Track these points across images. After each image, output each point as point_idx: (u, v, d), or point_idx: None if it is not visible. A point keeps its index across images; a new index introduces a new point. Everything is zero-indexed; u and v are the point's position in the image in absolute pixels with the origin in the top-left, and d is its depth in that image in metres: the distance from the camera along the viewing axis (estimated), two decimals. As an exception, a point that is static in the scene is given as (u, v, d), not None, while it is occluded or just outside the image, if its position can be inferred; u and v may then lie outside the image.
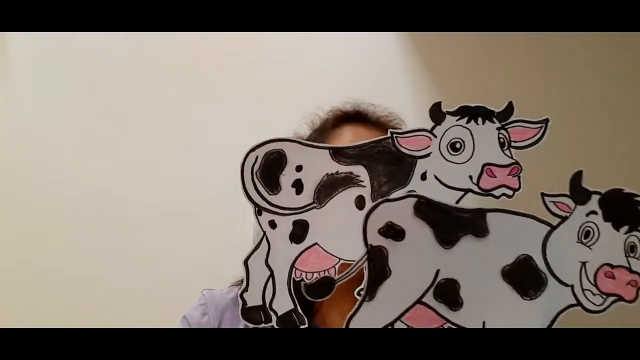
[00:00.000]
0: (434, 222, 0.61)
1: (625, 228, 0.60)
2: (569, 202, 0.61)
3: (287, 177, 0.69)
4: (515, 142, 0.63)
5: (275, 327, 0.65)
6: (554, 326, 0.61)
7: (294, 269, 0.69)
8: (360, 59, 1.46)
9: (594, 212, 0.61)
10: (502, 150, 0.63)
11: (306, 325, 0.65)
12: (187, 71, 1.52)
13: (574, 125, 1.42)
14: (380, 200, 0.60)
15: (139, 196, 1.48)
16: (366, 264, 0.63)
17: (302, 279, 0.68)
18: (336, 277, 0.67)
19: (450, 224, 0.62)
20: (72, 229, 1.48)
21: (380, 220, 0.61)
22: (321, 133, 0.93)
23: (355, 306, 0.60)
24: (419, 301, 0.62)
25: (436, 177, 0.65)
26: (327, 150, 0.67)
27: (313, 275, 0.70)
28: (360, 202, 0.67)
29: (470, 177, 0.63)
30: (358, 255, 0.65)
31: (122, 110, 1.52)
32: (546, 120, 0.62)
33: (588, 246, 0.60)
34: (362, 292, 0.63)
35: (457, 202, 0.64)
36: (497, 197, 0.62)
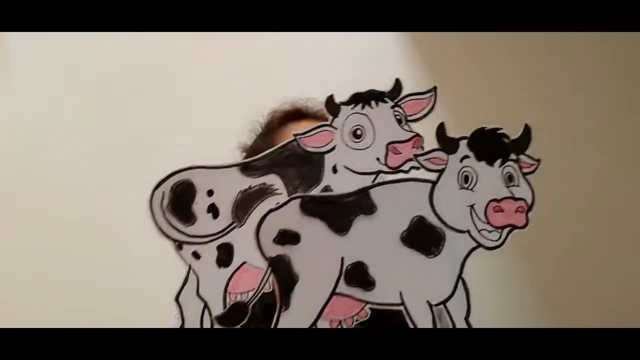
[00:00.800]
0: (323, 215, 0.62)
1: (499, 162, 0.62)
2: (441, 154, 0.63)
3: (200, 205, 0.68)
4: (411, 115, 0.65)
5: None
6: (463, 274, 0.65)
7: (227, 293, 0.70)
8: (360, 59, 1.48)
9: (466, 157, 0.62)
10: (401, 127, 0.64)
11: None
12: (189, 71, 1.53)
13: (574, 125, 1.47)
14: (265, 213, 0.63)
15: (139, 196, 1.42)
16: (272, 276, 0.63)
17: (253, 300, 0.69)
18: (247, 300, 0.68)
19: (339, 210, 0.63)
20: (72, 229, 1.51)
21: (272, 231, 0.61)
22: (267, 135, 0.95)
23: (274, 321, 0.62)
24: (334, 293, 0.63)
25: (346, 167, 0.66)
26: (235, 168, 0.67)
27: (248, 294, 0.70)
28: None
29: (378, 159, 0.64)
30: None
31: (122, 110, 1.53)
32: (434, 89, 0.65)
33: (470, 189, 0.62)
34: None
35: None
36: (407, 172, 0.64)
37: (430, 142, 0.64)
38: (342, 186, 0.65)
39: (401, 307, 0.64)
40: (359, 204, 0.64)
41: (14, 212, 1.53)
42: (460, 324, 0.64)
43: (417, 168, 0.63)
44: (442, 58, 1.44)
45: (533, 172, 0.63)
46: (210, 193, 0.69)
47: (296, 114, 0.97)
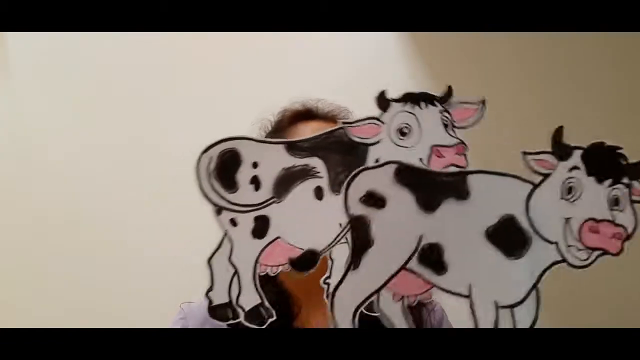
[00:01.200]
0: (414, 188, 0.61)
1: (609, 182, 0.59)
2: (551, 158, 0.61)
3: (243, 175, 0.69)
4: (457, 122, 0.66)
5: (243, 322, 0.69)
6: (539, 285, 0.62)
7: (258, 264, 0.70)
8: (361, 59, 1.49)
9: (576, 168, 0.60)
10: (447, 131, 0.65)
11: (274, 318, 0.68)
12: (188, 71, 1.54)
13: (573, 125, 1.25)
14: (359, 168, 0.61)
15: (139, 196, 1.44)
16: (349, 233, 0.63)
17: (267, 274, 0.70)
18: (319, 250, 0.67)
19: (432, 188, 0.61)
20: (71, 229, 1.51)
21: (361, 189, 0.60)
22: (276, 133, 0.95)
23: (341, 276, 0.61)
24: (404, 267, 0.62)
25: None
26: (281, 145, 0.68)
27: (278, 268, 0.71)
28: (318, 193, 0.69)
29: (421, 159, 0.65)
30: (321, 244, 0.67)
31: (122, 109, 1.53)
32: (483, 101, 0.65)
33: (571, 202, 0.59)
34: (327, 281, 0.65)
35: None
36: None
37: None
38: None
39: (467, 300, 0.63)
40: (454, 186, 0.62)
41: (13, 212, 1.52)
42: None
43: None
44: (442, 58, 1.46)
45: (644, 202, 0.45)
46: (255, 165, 0.70)
47: (306, 114, 0.99)
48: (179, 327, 0.91)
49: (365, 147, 0.66)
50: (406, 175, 0.60)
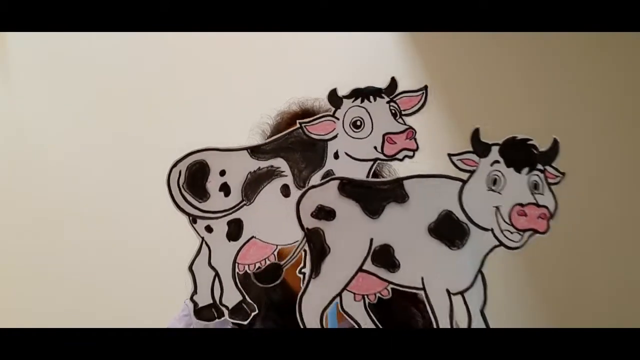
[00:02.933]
0: (358, 198, 0.70)
1: (526, 170, 0.68)
2: (474, 157, 0.70)
3: (213, 184, 0.75)
4: (404, 110, 0.73)
5: (228, 319, 0.76)
6: (483, 269, 0.70)
7: (236, 264, 0.76)
8: (360, 59, 1.47)
9: (497, 162, 0.69)
10: (396, 119, 0.72)
11: (256, 312, 0.76)
12: (188, 71, 1.53)
13: (574, 125, 1.41)
14: (307, 187, 0.71)
15: (138, 196, 1.48)
16: (306, 245, 0.70)
17: (245, 271, 0.77)
18: (282, 262, 0.75)
19: (373, 196, 0.71)
20: (71, 229, 1.50)
21: (311, 205, 0.69)
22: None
23: (304, 285, 0.69)
24: (360, 269, 0.70)
25: (347, 154, 0.74)
26: (245, 151, 0.76)
27: (255, 265, 0.77)
28: (285, 191, 0.75)
29: (375, 147, 0.72)
30: (293, 239, 0.73)
31: (121, 109, 1.53)
32: (425, 87, 0.72)
33: (498, 192, 0.68)
34: (303, 270, 0.71)
35: (369, 170, 0.74)
36: (401, 160, 0.73)
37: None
38: (344, 170, 0.74)
39: (421, 292, 0.71)
40: (392, 191, 0.71)
41: (13, 211, 1.53)
42: (476, 314, 0.70)
43: (411, 157, 0.72)
44: (442, 58, 1.45)
45: (557, 183, 0.69)
46: (222, 173, 0.75)
47: (303, 116, 0.93)
48: (182, 323, 1.01)
49: (324, 142, 0.73)
50: (349, 188, 0.70)
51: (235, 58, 1.52)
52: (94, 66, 1.54)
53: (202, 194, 0.74)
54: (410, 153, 0.72)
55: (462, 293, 0.69)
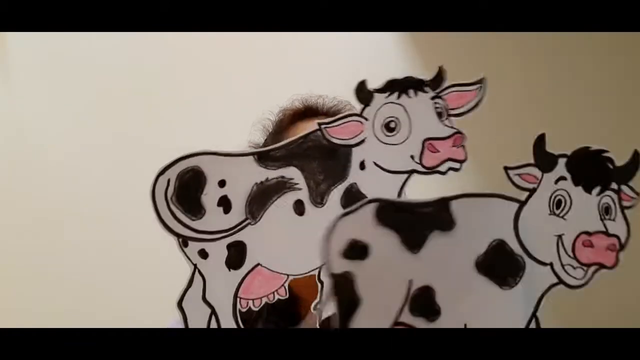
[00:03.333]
0: (397, 227, 0.55)
1: (598, 189, 0.55)
2: (535, 171, 0.56)
3: (209, 196, 0.60)
4: (453, 109, 0.58)
5: None
6: (538, 312, 0.57)
7: (238, 299, 0.61)
8: (360, 59, 1.44)
9: (563, 178, 0.56)
10: (441, 121, 0.57)
11: None
12: (189, 71, 1.50)
13: (574, 125, 1.33)
14: (338, 216, 0.54)
15: (139, 196, 1.20)
16: (332, 294, 0.55)
17: (249, 309, 0.62)
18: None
19: (415, 224, 0.56)
20: (71, 229, 1.47)
21: (342, 240, 0.54)
22: (278, 134, 0.94)
23: None
24: (396, 323, 0.55)
25: (376, 164, 0.59)
26: (250, 157, 0.61)
27: (261, 300, 0.62)
28: (299, 208, 0.61)
29: (412, 156, 0.57)
30: (307, 267, 0.59)
31: (122, 109, 1.51)
32: (482, 80, 0.60)
33: (562, 217, 0.56)
34: (318, 306, 0.59)
35: (402, 185, 0.60)
36: (444, 173, 0.58)
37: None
38: (370, 185, 0.61)
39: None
40: (437, 217, 0.57)
41: (13, 212, 1.48)
42: None
43: (457, 169, 0.58)
44: (442, 58, 1.19)
45: (632, 206, 0.56)
46: (222, 184, 0.60)
47: (307, 112, 0.95)
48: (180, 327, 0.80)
49: (348, 149, 0.59)
50: (387, 213, 0.55)
51: (235, 58, 1.52)
52: (94, 66, 1.55)
53: (196, 209, 0.59)
54: (457, 165, 0.57)
55: (512, 342, 0.59)
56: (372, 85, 0.61)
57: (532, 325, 0.62)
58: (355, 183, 0.60)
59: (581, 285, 0.63)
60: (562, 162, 0.57)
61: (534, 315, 0.59)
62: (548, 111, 1.46)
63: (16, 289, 1.50)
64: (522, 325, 0.62)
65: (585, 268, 0.57)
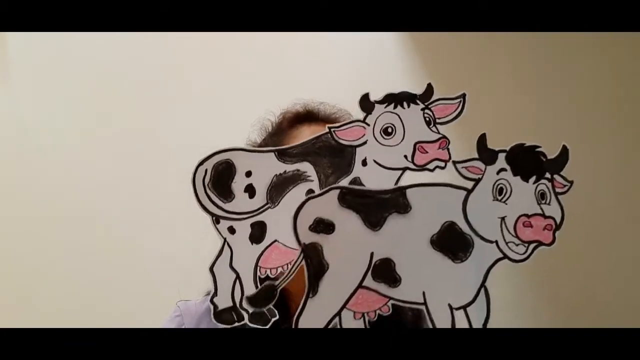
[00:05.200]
0: (359, 209, 0.65)
1: (534, 178, 0.64)
2: (479, 164, 0.65)
3: (238, 184, 0.71)
4: (439, 118, 0.68)
5: (248, 324, 0.71)
6: (486, 283, 0.65)
7: (258, 267, 0.72)
8: (360, 59, 1.42)
9: (503, 170, 0.65)
10: (429, 128, 0.68)
11: (277, 317, 0.72)
12: (189, 71, 1.48)
13: (574, 125, 1.35)
14: (304, 199, 0.65)
15: (139, 195, 1.38)
16: (304, 262, 0.66)
17: (267, 276, 0.73)
18: (276, 282, 0.70)
19: (375, 206, 0.67)
20: (71, 229, 1.45)
21: (309, 218, 0.65)
22: (276, 135, 0.96)
23: (300, 305, 0.65)
24: (360, 286, 0.65)
25: (375, 162, 0.69)
26: (272, 153, 0.72)
27: (277, 270, 0.73)
28: None
29: (405, 156, 0.68)
30: None
31: (122, 109, 1.49)
32: (463, 95, 0.68)
33: (503, 202, 0.64)
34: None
35: (397, 180, 0.70)
36: (432, 170, 0.69)
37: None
38: (371, 178, 0.71)
39: (423, 307, 0.66)
40: (395, 201, 0.67)
41: (13, 212, 1.46)
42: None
43: (442, 167, 0.69)
44: (442, 58, 1.40)
45: (565, 192, 0.64)
46: (248, 174, 0.71)
47: (307, 117, 0.96)
48: (174, 324, 0.96)
49: (352, 148, 0.69)
50: (350, 198, 0.66)
51: (235, 58, 1.48)
52: (94, 66, 1.51)
53: (227, 194, 0.71)
54: (442, 164, 0.68)
55: (464, 308, 0.66)
56: (373, 97, 0.70)
57: (482, 294, 0.71)
58: (358, 177, 0.70)
59: (523, 260, 0.67)
60: (502, 156, 0.65)
61: (482, 284, 0.66)
62: (547, 110, 1.37)
63: (16, 289, 1.44)
64: (473, 292, 0.68)
65: (526, 245, 0.64)
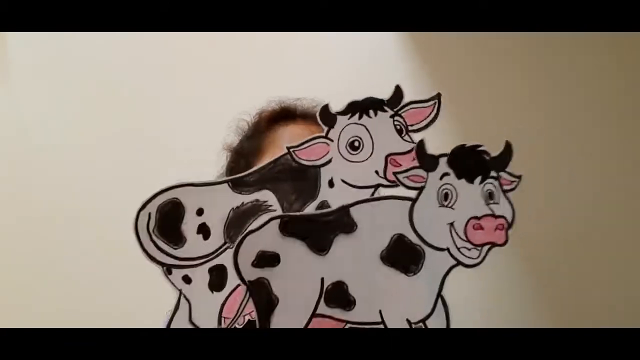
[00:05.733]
0: (303, 236, 0.62)
1: (479, 179, 0.61)
2: (421, 172, 0.62)
3: (189, 225, 0.63)
4: (412, 125, 0.62)
5: None
6: (442, 292, 0.63)
7: (222, 318, 0.64)
8: (360, 59, 1.41)
9: (446, 174, 0.62)
10: (401, 137, 0.61)
11: None
12: (188, 71, 1.48)
13: (574, 126, 1.33)
14: (242, 234, 0.60)
15: (139, 196, 1.30)
16: (251, 300, 0.62)
17: (234, 326, 0.65)
18: (228, 324, 0.63)
19: (319, 231, 0.63)
20: (71, 229, 1.45)
21: (251, 253, 0.61)
22: (253, 138, 0.92)
23: None
24: (314, 315, 0.62)
25: (343, 181, 0.63)
26: (225, 185, 0.65)
27: (245, 319, 0.65)
28: None
29: (377, 171, 0.61)
30: None
31: (122, 109, 1.49)
32: (438, 96, 0.62)
33: (450, 207, 0.62)
34: None
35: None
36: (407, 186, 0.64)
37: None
38: (340, 201, 0.64)
39: (381, 326, 0.63)
40: (339, 222, 0.64)
41: (13, 212, 1.46)
42: None
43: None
44: (442, 58, 1.39)
45: (514, 189, 0.62)
46: (200, 212, 0.64)
47: (284, 115, 0.92)
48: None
49: (316, 169, 0.63)
50: (292, 226, 0.63)
51: (234, 58, 1.46)
52: (94, 66, 1.50)
53: (177, 238, 0.63)
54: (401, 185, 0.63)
55: (423, 321, 0.64)
56: (336, 107, 0.63)
57: (439, 304, 0.69)
58: (326, 201, 0.63)
59: (477, 264, 0.66)
60: (443, 160, 0.62)
61: (439, 294, 0.63)
62: (548, 110, 1.38)
63: (16, 289, 1.45)
64: (430, 304, 0.70)
65: (479, 248, 0.61)
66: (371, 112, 0.61)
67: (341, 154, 0.62)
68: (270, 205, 0.64)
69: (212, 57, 1.50)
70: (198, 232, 0.64)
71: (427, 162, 0.62)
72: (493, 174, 0.62)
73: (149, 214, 0.64)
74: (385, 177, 0.62)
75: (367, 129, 0.61)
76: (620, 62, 1.40)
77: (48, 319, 1.39)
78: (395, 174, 0.67)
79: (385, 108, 0.61)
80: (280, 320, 0.62)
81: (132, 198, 1.61)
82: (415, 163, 0.61)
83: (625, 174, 1.43)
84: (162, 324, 0.98)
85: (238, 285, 0.65)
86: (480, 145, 0.63)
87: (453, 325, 0.64)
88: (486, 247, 0.61)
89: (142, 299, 1.38)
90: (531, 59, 1.43)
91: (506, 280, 1.38)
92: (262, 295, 0.61)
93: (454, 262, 0.63)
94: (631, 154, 1.46)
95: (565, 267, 1.40)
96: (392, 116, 0.61)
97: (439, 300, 0.63)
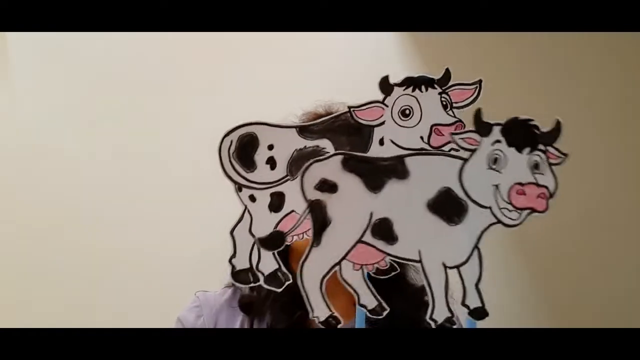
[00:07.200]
0: (360, 173, 0.68)
1: (527, 149, 0.67)
2: (475, 136, 0.68)
3: (260, 156, 0.74)
4: (456, 102, 0.70)
5: (263, 285, 0.75)
6: (479, 245, 0.69)
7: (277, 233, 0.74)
8: (360, 59, 1.43)
9: (498, 141, 0.68)
10: (446, 111, 0.70)
11: (290, 281, 0.75)
12: (189, 71, 1.48)
13: (574, 126, 1.32)
14: (311, 161, 0.68)
15: (139, 195, 1.49)
16: (309, 216, 0.70)
17: (292, 237, 0.74)
18: (285, 231, 0.74)
19: (375, 171, 0.70)
20: (71, 228, 1.45)
21: (314, 178, 0.68)
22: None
23: (305, 253, 0.69)
24: (360, 241, 0.70)
25: (392, 142, 0.71)
26: (294, 129, 0.75)
27: (292, 238, 0.75)
28: None
29: (422, 137, 0.69)
30: None
31: (122, 109, 1.49)
32: (479, 81, 0.72)
33: (498, 171, 0.67)
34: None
35: None
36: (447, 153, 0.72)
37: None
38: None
39: (418, 264, 0.70)
40: (394, 168, 0.70)
41: (13, 212, 1.47)
42: (470, 288, 0.69)
43: (457, 150, 0.70)
44: (442, 58, 1.40)
45: (559, 164, 0.67)
46: (270, 147, 0.74)
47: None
48: (193, 315, 0.99)
49: (370, 128, 0.71)
50: (352, 162, 0.68)
51: (234, 58, 1.48)
52: (94, 66, 1.50)
53: (250, 164, 0.73)
54: (457, 147, 0.68)
55: (457, 267, 0.69)
56: (393, 79, 0.71)
57: (475, 255, 0.73)
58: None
59: (516, 225, 0.67)
60: (497, 128, 0.67)
61: (475, 246, 0.68)
62: (548, 110, 1.43)
63: (16, 289, 1.43)
64: (466, 254, 0.68)
65: (519, 211, 0.67)
66: (423, 87, 0.70)
67: (393, 119, 0.70)
68: (328, 152, 0.73)
69: (212, 57, 1.48)
70: (267, 163, 0.73)
71: (483, 127, 0.67)
72: (541, 147, 0.66)
73: (231, 141, 0.73)
74: (428, 143, 0.69)
75: (417, 101, 0.69)
76: (620, 62, 1.38)
77: (48, 319, 1.37)
78: (452, 134, 0.73)
79: (435, 85, 0.70)
80: (330, 237, 0.68)
81: (132, 197, 1.44)
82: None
83: (626, 174, 1.35)
84: (162, 324, 0.91)
85: (292, 211, 0.74)
86: (532, 120, 0.68)
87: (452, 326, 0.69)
88: (526, 212, 0.65)
89: (142, 298, 1.41)
90: (531, 59, 1.40)
91: (506, 280, 1.37)
92: (319, 213, 0.68)
93: (494, 220, 0.66)
94: (631, 154, 1.38)
95: (565, 267, 1.34)
96: (440, 93, 0.70)
97: (475, 253, 0.68)
